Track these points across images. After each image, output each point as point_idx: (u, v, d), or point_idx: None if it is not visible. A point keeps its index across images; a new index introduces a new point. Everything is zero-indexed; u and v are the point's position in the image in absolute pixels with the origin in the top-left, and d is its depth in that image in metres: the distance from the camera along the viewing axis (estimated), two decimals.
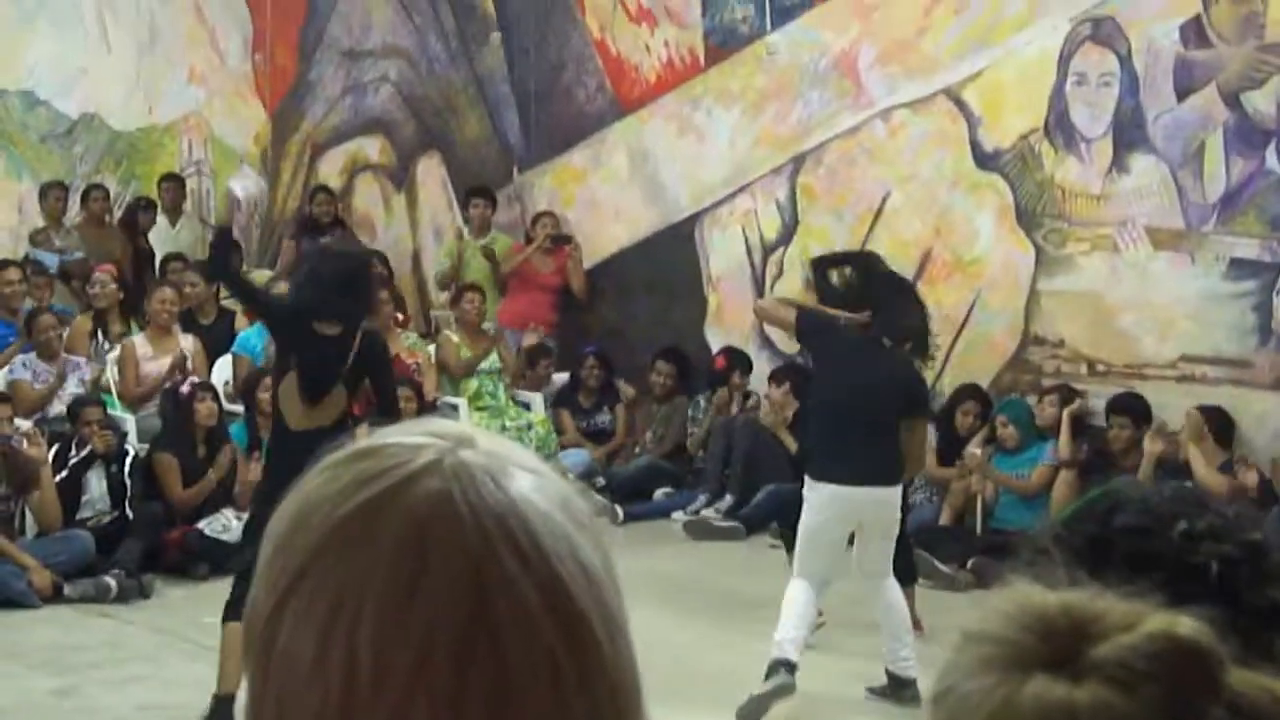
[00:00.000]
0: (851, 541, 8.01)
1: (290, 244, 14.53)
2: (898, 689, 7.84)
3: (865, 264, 8.78)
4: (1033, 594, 1.25)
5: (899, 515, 7.99)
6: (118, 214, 15.94)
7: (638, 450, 12.84)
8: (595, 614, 1.19)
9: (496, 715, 1.15)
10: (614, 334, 13.24)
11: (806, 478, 7.99)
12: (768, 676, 7.57)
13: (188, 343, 11.90)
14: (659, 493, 12.32)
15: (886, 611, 7.91)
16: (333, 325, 7.32)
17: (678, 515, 11.93)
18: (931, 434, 10.20)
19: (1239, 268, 10.47)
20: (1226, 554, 1.88)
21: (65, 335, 11.81)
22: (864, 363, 7.96)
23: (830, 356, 8.21)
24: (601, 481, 12.41)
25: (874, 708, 7.89)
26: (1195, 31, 10.57)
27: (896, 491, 7.94)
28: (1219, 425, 10.33)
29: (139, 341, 11.92)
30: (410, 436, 1.23)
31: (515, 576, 1.16)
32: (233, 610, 7.08)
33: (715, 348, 12.73)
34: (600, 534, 1.24)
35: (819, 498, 7.87)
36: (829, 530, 7.88)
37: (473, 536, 1.17)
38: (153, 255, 14.74)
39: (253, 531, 7.45)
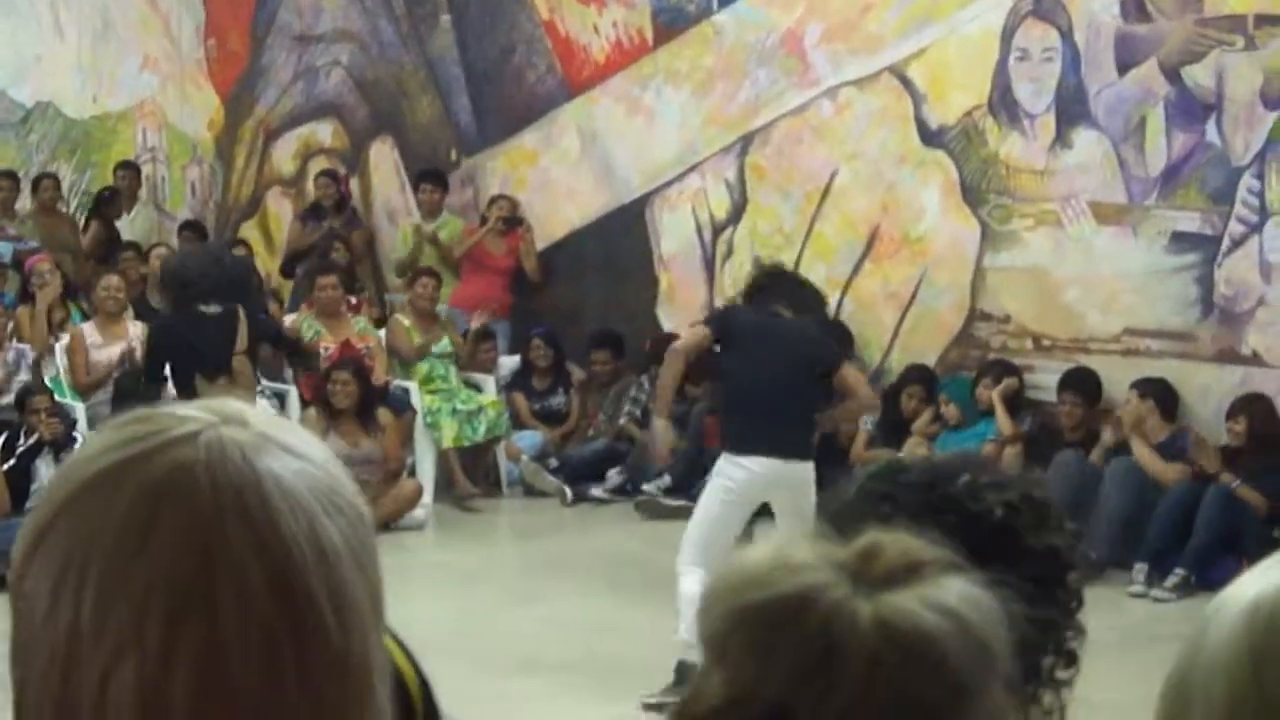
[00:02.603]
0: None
1: (297, 224, 14.53)
2: None
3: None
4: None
5: (813, 494, 7.76)
6: (76, 202, 15.99)
7: (591, 433, 12.86)
8: (324, 596, 1.22)
9: (205, 681, 1.18)
10: (568, 315, 13.25)
11: (723, 454, 7.93)
12: (678, 682, 7.15)
13: (136, 330, 11.89)
14: (611, 473, 12.33)
15: None
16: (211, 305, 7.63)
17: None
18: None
19: (1181, 241, 10.51)
20: (1008, 500, 2.08)
21: (10, 326, 11.81)
22: (770, 331, 8.01)
23: (739, 335, 8.12)
24: (555, 463, 12.44)
25: None
26: (1135, 6, 10.60)
27: (809, 467, 7.85)
28: (1163, 399, 10.38)
29: (88, 329, 11.92)
30: (186, 409, 1.27)
31: (240, 549, 1.20)
32: None
33: (667, 327, 12.75)
34: (358, 524, 1.27)
35: (739, 472, 7.80)
36: (740, 509, 7.80)
37: (206, 507, 1.20)
38: (117, 241, 14.72)
39: None
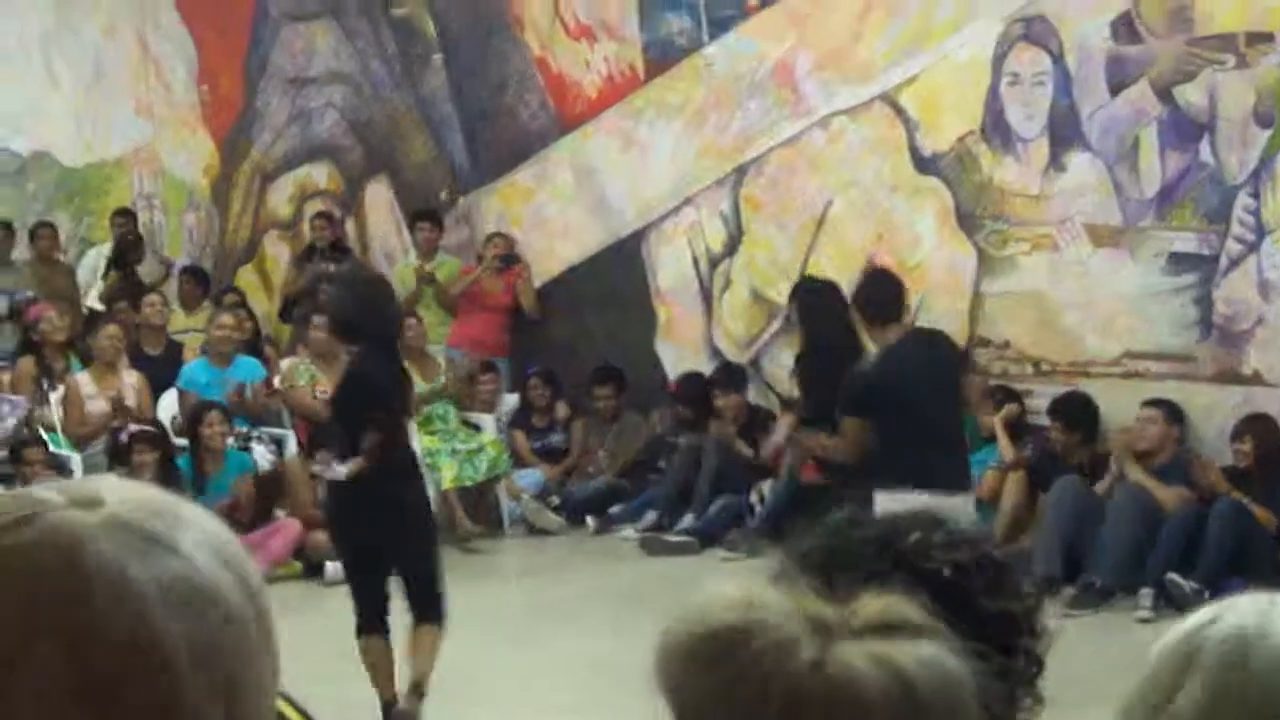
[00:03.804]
0: None
1: (293, 268, 14.52)
2: None
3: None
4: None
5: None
6: (75, 251, 15.99)
7: (590, 470, 12.81)
8: (142, 699, 1.17)
9: None
10: (567, 352, 13.21)
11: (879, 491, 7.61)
12: None
13: (131, 379, 11.86)
14: (610, 510, 12.30)
15: None
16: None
17: (628, 532, 11.92)
18: None
19: (1178, 262, 10.46)
20: (958, 560, 2.03)
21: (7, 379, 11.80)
22: (915, 370, 8.01)
23: (885, 402, 7.94)
24: (556, 501, 12.39)
25: None
26: (1126, 27, 10.57)
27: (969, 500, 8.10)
28: (1174, 418, 10.33)
29: (83, 380, 11.90)
30: (51, 488, 1.25)
31: (48, 644, 1.15)
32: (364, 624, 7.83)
33: (666, 361, 12.72)
34: (218, 622, 1.21)
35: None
36: None
37: (21, 596, 1.16)
38: (142, 288, 14.67)
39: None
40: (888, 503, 7.50)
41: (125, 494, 1.25)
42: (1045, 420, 10.83)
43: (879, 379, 8.02)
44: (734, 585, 1.48)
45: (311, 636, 8.77)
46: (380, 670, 7.85)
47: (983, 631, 1.94)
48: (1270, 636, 1.65)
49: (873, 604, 1.42)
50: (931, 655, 1.37)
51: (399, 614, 7.92)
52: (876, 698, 1.34)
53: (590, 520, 12.20)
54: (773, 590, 1.46)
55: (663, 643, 1.46)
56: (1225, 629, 1.66)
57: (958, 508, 7.86)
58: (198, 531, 1.25)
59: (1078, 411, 10.59)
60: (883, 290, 8.38)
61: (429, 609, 7.82)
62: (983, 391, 11.02)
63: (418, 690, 7.80)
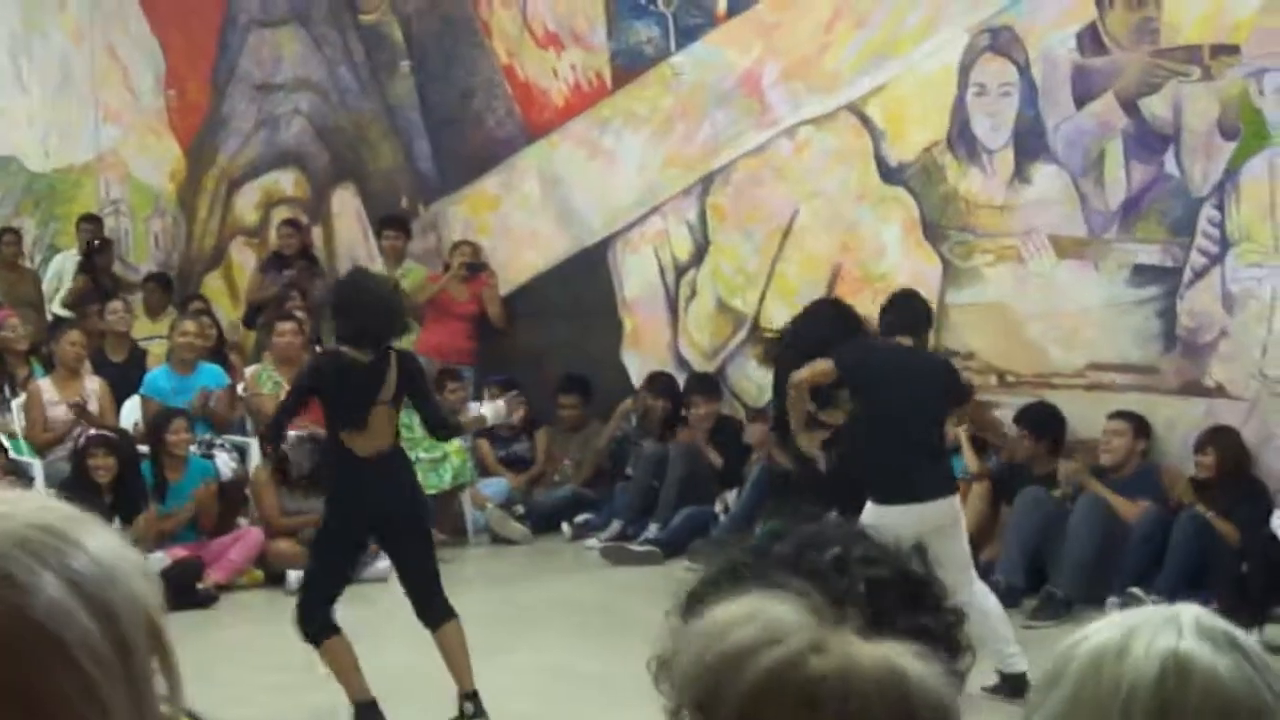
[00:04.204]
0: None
1: (258, 275, 14.47)
2: (1014, 686, 7.84)
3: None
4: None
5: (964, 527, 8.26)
6: (40, 257, 15.92)
7: (556, 478, 12.79)
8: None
9: None
10: (532, 360, 13.17)
11: (870, 506, 7.82)
12: None
13: (93, 384, 11.81)
14: (578, 519, 12.28)
15: (984, 619, 7.84)
16: (364, 353, 7.80)
17: (592, 542, 11.90)
18: None
19: (1142, 274, 10.47)
20: (877, 576, 1.99)
21: None
22: (902, 367, 8.31)
23: (870, 377, 8.26)
24: (521, 510, 12.36)
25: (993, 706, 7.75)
26: (1091, 39, 10.58)
27: (953, 501, 8.26)
28: (1139, 431, 10.35)
29: (45, 385, 11.84)
30: None
31: None
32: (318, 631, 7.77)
33: (632, 370, 12.70)
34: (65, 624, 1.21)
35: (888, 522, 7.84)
36: None
37: None
38: (108, 294, 14.59)
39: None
40: (880, 516, 7.55)
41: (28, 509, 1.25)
42: (1010, 430, 10.84)
43: (871, 354, 8.41)
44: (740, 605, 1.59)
45: (273, 644, 8.77)
46: (346, 669, 7.80)
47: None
48: (1129, 654, 1.69)
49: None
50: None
51: (415, 627, 7.94)
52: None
53: (565, 527, 12.20)
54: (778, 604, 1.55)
55: (681, 662, 1.55)
56: (1090, 645, 1.71)
57: (944, 511, 7.94)
58: (60, 569, 1.24)
59: (1045, 420, 10.60)
60: (910, 311, 8.57)
61: (439, 608, 7.90)
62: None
63: (470, 698, 7.92)
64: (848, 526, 2.11)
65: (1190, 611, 1.78)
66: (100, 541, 1.28)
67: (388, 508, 7.85)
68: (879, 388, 8.15)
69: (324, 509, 8.25)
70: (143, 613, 1.26)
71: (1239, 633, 1.75)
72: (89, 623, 1.21)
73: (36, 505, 1.28)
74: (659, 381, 12.40)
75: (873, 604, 1.92)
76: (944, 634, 2.00)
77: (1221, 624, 1.76)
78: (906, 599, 1.99)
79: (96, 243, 15.21)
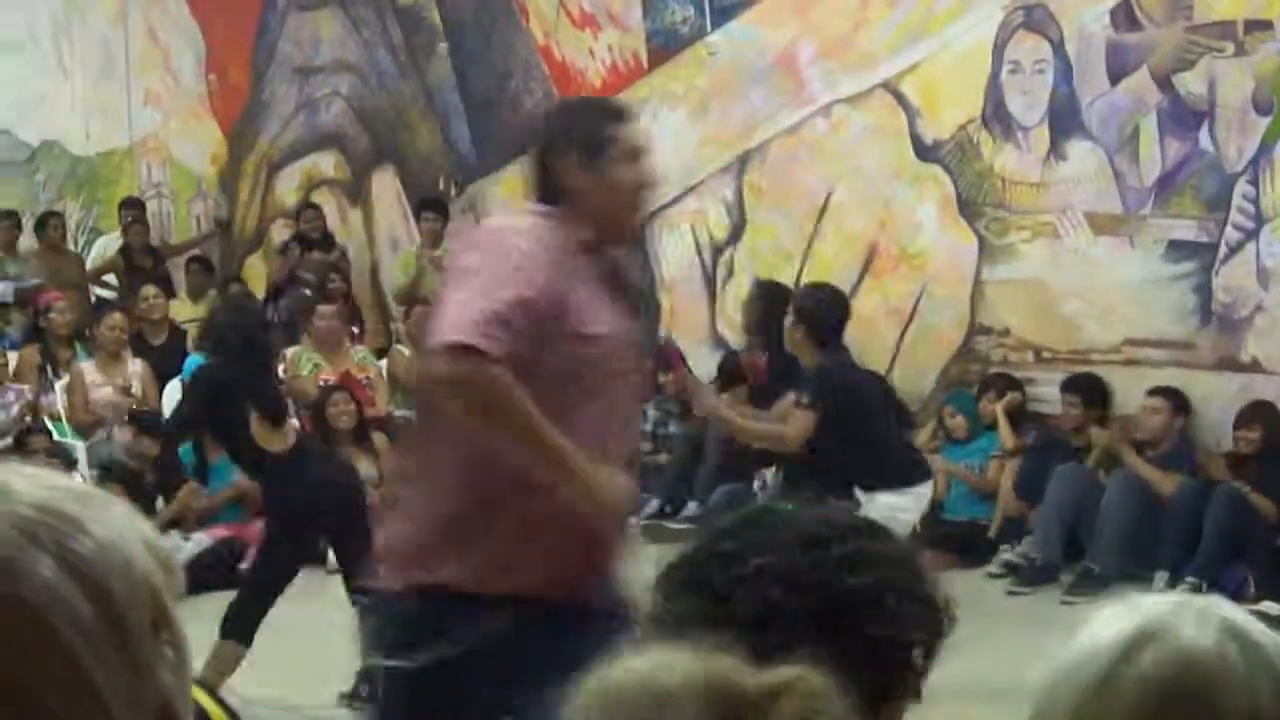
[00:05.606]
0: None
1: (281, 258, 14.56)
2: None
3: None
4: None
5: None
6: (84, 240, 16.05)
7: None
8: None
9: None
10: None
11: (886, 492, 7.74)
12: None
13: (135, 367, 11.91)
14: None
15: None
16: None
17: (631, 520, 11.92)
18: None
19: (1178, 249, 10.45)
20: (778, 600, 1.98)
21: (10, 366, 11.84)
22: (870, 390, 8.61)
23: (849, 408, 8.02)
24: None
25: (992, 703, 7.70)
26: (1125, 15, 10.56)
27: None
28: (1179, 406, 10.33)
29: (88, 368, 11.94)
30: None
31: None
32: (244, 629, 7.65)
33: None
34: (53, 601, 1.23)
35: (912, 501, 7.92)
36: None
37: None
38: (151, 271, 14.74)
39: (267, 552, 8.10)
40: (868, 505, 7.55)
41: (24, 487, 1.27)
42: (1045, 408, 10.85)
43: (844, 376, 8.14)
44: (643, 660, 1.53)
45: (312, 625, 8.81)
46: (224, 680, 7.41)
47: (863, 650, 1.94)
48: (1133, 652, 1.73)
49: (799, 700, 1.45)
50: None
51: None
52: None
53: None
54: (709, 664, 1.49)
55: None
56: (1092, 644, 1.74)
57: (923, 496, 7.98)
58: (56, 553, 1.25)
59: (1093, 390, 10.56)
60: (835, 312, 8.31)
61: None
62: (983, 379, 11.05)
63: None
64: (828, 520, 2.10)
65: (1196, 604, 1.77)
66: (106, 522, 1.27)
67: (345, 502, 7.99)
68: (862, 412, 8.10)
69: None
70: (146, 592, 1.26)
71: (1253, 626, 1.74)
72: (83, 605, 1.21)
73: (44, 486, 1.28)
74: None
75: (776, 629, 1.90)
76: (872, 656, 1.93)
77: (1231, 617, 1.75)
78: (816, 623, 1.93)
79: (138, 237, 15.27)
